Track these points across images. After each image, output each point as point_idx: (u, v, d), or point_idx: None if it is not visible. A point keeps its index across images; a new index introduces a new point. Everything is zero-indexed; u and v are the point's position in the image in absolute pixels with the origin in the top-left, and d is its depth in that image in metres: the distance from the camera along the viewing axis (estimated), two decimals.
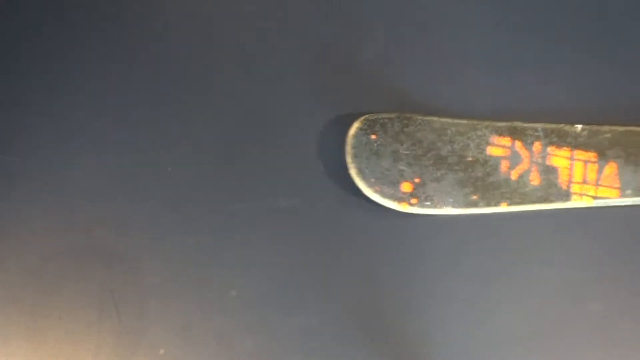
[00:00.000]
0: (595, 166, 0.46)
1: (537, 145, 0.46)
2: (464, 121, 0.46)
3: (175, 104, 0.46)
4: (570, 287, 0.44)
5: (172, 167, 0.44)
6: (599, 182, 0.46)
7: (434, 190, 0.45)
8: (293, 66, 0.46)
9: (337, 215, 0.45)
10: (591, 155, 0.46)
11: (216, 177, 0.45)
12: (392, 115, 0.45)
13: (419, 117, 0.45)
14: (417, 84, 0.47)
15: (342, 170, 0.44)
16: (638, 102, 0.47)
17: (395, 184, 0.44)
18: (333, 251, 0.44)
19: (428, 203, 0.45)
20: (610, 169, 0.46)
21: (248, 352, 0.43)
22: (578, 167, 0.46)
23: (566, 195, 0.45)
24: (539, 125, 0.46)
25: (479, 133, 0.46)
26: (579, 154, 0.46)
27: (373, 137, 0.44)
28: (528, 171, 0.45)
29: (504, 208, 0.45)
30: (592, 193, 0.45)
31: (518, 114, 0.46)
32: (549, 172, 0.46)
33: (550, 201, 0.45)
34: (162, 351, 0.43)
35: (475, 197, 0.45)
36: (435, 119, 0.46)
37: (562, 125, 0.46)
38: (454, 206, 0.45)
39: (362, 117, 0.44)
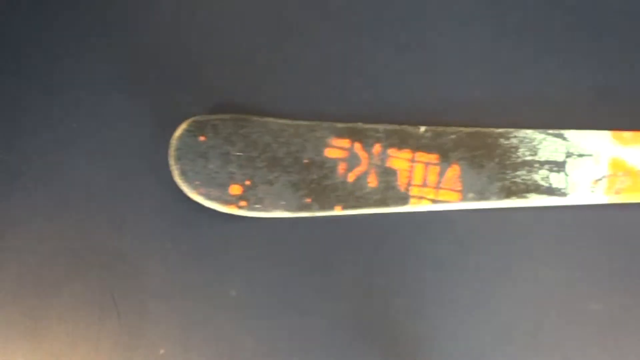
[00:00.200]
0: (437, 168, 0.44)
1: (377, 147, 0.44)
2: (304, 122, 0.45)
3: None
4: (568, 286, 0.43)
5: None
6: (440, 185, 0.44)
7: (265, 193, 0.44)
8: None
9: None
10: (433, 157, 0.44)
11: None
12: (226, 117, 0.44)
13: (255, 119, 0.44)
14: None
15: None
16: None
17: (224, 186, 0.43)
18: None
19: (258, 206, 0.43)
20: (453, 171, 0.44)
21: (248, 352, 0.43)
22: (418, 170, 0.44)
23: (404, 199, 0.44)
24: (380, 127, 0.45)
25: (317, 134, 0.44)
26: (421, 156, 0.44)
27: (202, 138, 0.44)
28: (366, 173, 0.44)
29: (337, 212, 0.44)
30: (431, 196, 0.44)
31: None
32: (387, 174, 0.44)
33: (388, 205, 0.44)
34: (162, 351, 0.43)
35: (308, 200, 0.44)
36: (273, 120, 0.44)
37: (405, 126, 0.45)
38: (286, 209, 0.43)
39: (190, 119, 0.44)
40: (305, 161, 0.44)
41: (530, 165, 0.44)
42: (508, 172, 0.44)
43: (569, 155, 0.44)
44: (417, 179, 0.44)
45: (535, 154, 0.44)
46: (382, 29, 0.47)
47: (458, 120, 0.45)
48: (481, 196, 0.44)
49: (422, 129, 0.44)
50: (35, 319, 0.43)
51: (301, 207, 0.44)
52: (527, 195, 0.44)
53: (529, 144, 0.44)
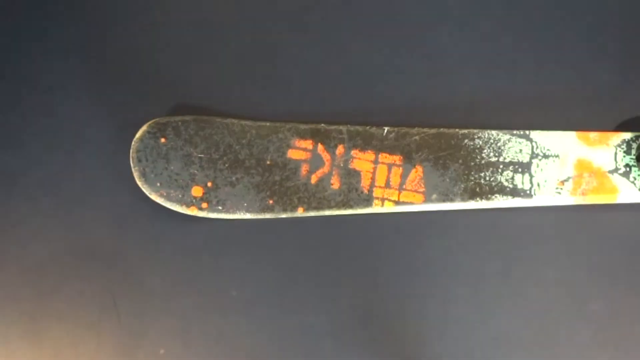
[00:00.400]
0: (400, 170, 0.44)
1: (340, 149, 0.44)
2: (266, 124, 0.44)
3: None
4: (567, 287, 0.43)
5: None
6: (403, 187, 0.43)
7: (227, 195, 0.43)
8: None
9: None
10: (396, 159, 0.44)
11: None
12: (187, 118, 0.44)
13: (217, 120, 0.44)
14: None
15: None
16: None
17: (185, 187, 0.43)
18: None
19: (220, 207, 0.43)
20: (416, 172, 0.44)
21: (248, 352, 0.43)
22: (381, 171, 0.44)
23: (367, 200, 0.43)
24: (343, 128, 0.44)
25: (280, 136, 0.44)
26: (384, 157, 0.44)
27: (162, 140, 0.43)
28: (329, 175, 0.44)
29: (300, 213, 0.43)
30: (394, 198, 0.43)
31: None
32: (350, 176, 0.44)
33: (351, 206, 0.43)
34: (162, 351, 0.43)
35: (270, 202, 0.43)
36: (235, 121, 0.44)
37: (368, 127, 0.44)
38: (248, 211, 0.43)
39: (151, 121, 0.43)
40: (268, 163, 0.44)
41: (494, 166, 0.44)
42: (472, 173, 0.44)
43: (534, 156, 0.44)
44: (380, 181, 0.43)
45: (500, 155, 0.44)
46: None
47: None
48: (445, 197, 0.43)
49: (386, 129, 0.44)
50: (35, 319, 0.43)
51: (263, 209, 0.43)
52: (492, 196, 0.43)
53: (494, 145, 0.44)
